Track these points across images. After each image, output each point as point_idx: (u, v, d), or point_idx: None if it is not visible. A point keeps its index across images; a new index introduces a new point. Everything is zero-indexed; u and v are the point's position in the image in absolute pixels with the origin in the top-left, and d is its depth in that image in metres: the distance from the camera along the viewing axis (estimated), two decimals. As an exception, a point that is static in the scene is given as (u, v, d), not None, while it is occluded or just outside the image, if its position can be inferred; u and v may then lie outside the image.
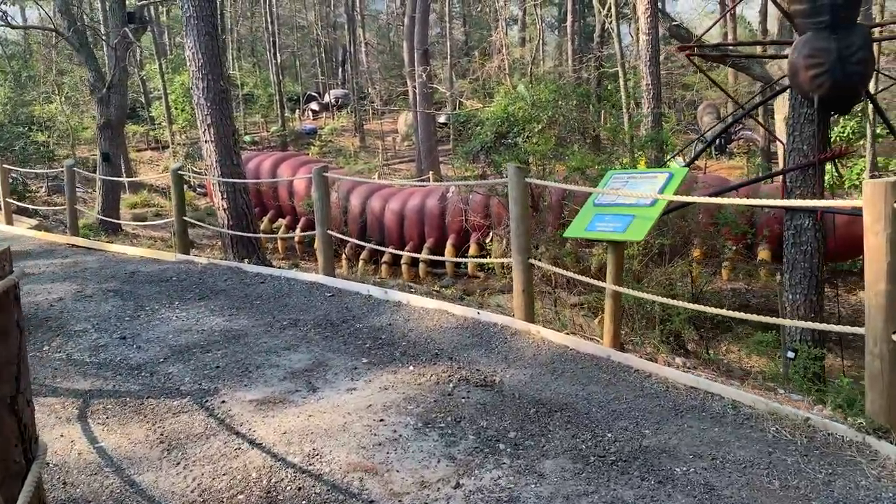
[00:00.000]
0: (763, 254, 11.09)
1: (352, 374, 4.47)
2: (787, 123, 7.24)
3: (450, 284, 12.66)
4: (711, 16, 29.82)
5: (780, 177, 7.67)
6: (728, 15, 24.89)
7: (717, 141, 24.04)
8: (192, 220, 9.67)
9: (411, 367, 4.54)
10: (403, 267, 13.58)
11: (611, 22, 24.85)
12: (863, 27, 6.36)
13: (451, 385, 4.19)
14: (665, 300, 4.77)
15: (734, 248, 10.51)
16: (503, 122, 8.44)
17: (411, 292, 6.56)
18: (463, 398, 4.01)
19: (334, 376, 4.45)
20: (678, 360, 4.61)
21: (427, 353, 4.82)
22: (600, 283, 4.67)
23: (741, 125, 23.55)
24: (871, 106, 14.34)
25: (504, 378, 4.30)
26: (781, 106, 15.13)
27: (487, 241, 11.72)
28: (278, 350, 5.03)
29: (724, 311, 4.48)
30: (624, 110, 9.52)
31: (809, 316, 6.83)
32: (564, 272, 5.04)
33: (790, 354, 5.82)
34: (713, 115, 27.42)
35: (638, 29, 19.34)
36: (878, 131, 13.31)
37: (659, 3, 9.85)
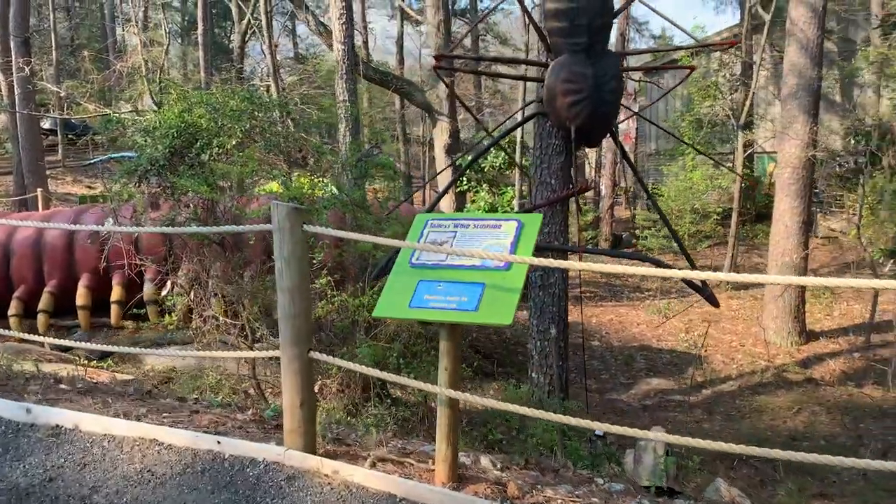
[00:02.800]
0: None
1: None
2: (533, 154, 6.44)
3: (84, 339, 9.53)
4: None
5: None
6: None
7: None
8: None
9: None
10: (12, 321, 9.86)
11: (251, 34, 22.95)
12: (614, 54, 5.81)
13: None
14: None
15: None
16: (179, 134, 6.16)
17: (83, 402, 3.95)
18: None
19: None
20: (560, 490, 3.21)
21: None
22: (429, 387, 3.02)
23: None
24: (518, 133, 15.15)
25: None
26: (440, 134, 15.09)
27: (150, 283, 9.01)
28: None
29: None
30: (342, 130, 7.92)
31: (558, 363, 6.13)
32: (379, 374, 3.22)
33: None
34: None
35: (268, 45, 17.84)
36: (523, 162, 14.02)
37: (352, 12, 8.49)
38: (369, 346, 5.08)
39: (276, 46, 22.58)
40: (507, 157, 14.26)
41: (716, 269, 18.87)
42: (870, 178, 14.51)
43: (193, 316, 6.26)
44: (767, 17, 15.04)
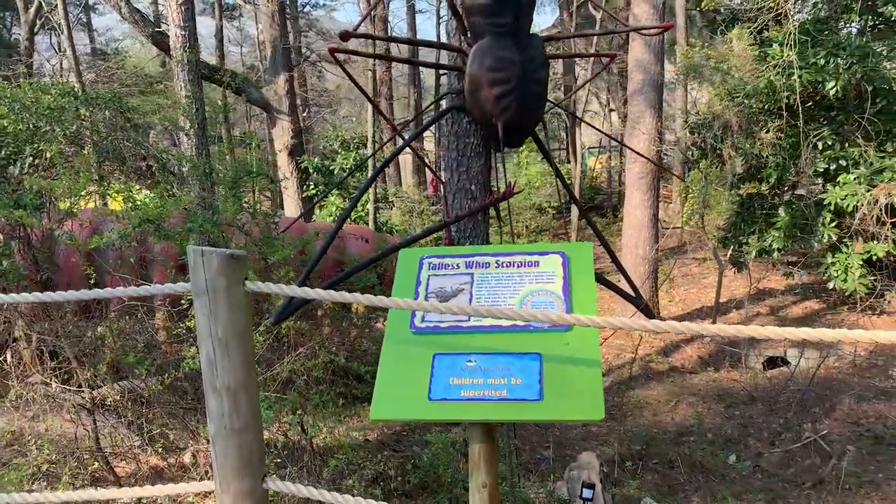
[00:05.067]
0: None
1: None
2: (446, 157, 5.41)
3: None
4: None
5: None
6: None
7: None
8: None
9: None
10: None
11: (41, 26, 19.68)
12: (539, 38, 4.95)
13: None
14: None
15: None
16: (-28, 141, 4.42)
17: None
18: None
19: None
20: None
21: None
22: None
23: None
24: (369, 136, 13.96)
25: None
26: (281, 134, 13.51)
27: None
28: None
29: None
30: (186, 133, 6.29)
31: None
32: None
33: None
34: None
35: (67, 35, 15.33)
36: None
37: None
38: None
39: (73, 40, 19.55)
40: (357, 158, 13.12)
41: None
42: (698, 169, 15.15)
43: (11, 382, 4.55)
44: (598, 15, 15.17)
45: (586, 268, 2.07)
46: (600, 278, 5.28)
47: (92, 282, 4.88)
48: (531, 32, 4.83)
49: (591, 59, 15.97)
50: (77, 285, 5.89)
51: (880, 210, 9.04)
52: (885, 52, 10.16)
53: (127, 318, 5.13)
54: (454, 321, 2.00)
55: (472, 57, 4.52)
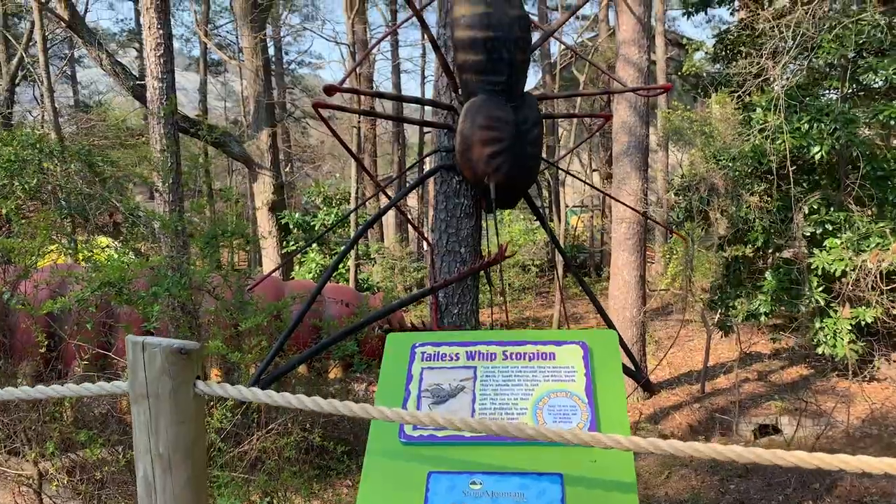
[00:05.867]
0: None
1: None
2: (435, 217, 5.10)
3: None
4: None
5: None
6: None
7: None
8: None
9: None
10: None
11: (22, 77, 19.47)
12: (533, 97, 4.72)
13: None
14: None
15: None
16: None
17: None
18: None
19: None
20: None
21: None
22: None
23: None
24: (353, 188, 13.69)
25: None
26: (262, 189, 13.19)
27: None
28: None
29: None
30: (160, 184, 5.90)
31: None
32: None
33: None
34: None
35: (46, 86, 15.11)
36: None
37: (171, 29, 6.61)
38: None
39: (53, 91, 19.35)
40: (339, 214, 12.80)
41: (537, 321, 18.76)
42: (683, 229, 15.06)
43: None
44: (583, 77, 15.26)
45: (612, 362, 1.73)
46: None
47: (44, 349, 4.43)
48: (525, 91, 4.59)
49: (574, 119, 16.02)
50: (35, 351, 5.41)
51: (870, 275, 8.85)
52: (867, 119, 10.17)
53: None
54: (446, 434, 1.63)
55: (464, 115, 4.25)
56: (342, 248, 13.12)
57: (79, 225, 4.69)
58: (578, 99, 16.91)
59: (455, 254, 4.73)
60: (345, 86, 5.14)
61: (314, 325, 5.63)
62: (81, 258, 4.52)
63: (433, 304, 5.09)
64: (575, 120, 16.35)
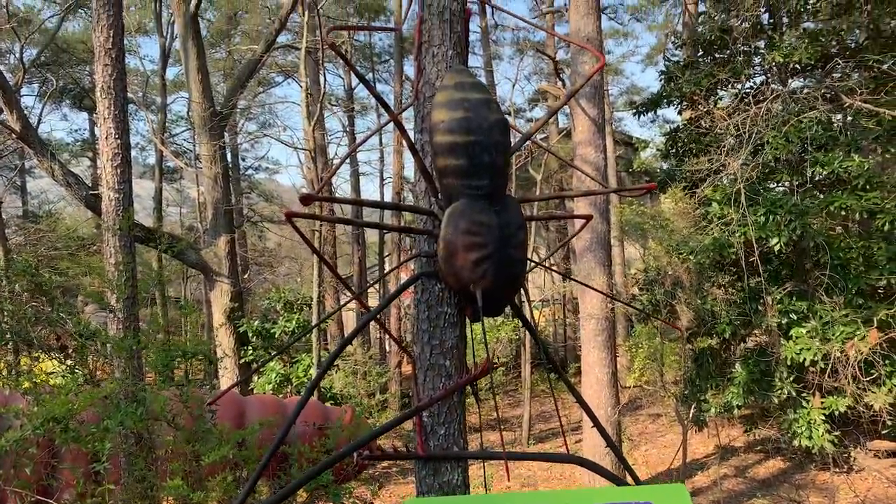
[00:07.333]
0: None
1: None
2: (416, 328, 4.75)
3: None
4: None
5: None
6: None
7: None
8: None
9: None
10: None
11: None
12: (516, 200, 4.53)
13: None
14: None
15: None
16: None
17: None
18: None
19: None
20: None
21: None
22: None
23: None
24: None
25: None
26: (219, 297, 12.65)
27: None
28: None
29: None
30: (111, 308, 5.42)
31: None
32: None
33: None
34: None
35: None
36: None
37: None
38: None
39: (1, 202, 18.77)
40: (300, 320, 12.30)
41: (506, 421, 18.15)
42: (644, 324, 14.96)
43: None
44: (539, 177, 15.48)
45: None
46: (585, 461, 4.54)
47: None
48: (507, 194, 4.39)
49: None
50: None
51: (848, 366, 8.74)
52: (818, 210, 10.40)
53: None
54: None
55: (446, 220, 4.00)
56: (306, 358, 12.35)
57: (21, 350, 4.20)
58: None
59: (439, 367, 4.36)
60: (322, 194, 4.86)
61: (283, 452, 5.11)
62: (23, 387, 4.01)
63: (418, 426, 4.66)
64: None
